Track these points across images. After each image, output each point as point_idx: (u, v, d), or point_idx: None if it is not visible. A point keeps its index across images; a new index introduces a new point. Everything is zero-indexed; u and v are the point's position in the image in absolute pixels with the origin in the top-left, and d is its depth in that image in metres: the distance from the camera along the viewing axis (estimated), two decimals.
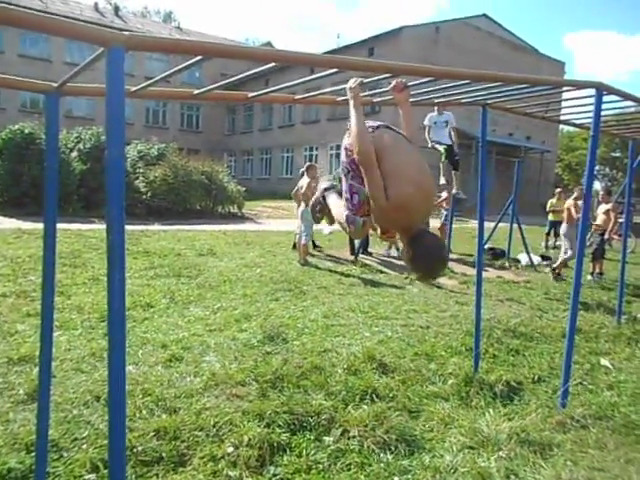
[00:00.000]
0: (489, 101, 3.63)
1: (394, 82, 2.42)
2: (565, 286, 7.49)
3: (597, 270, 8.53)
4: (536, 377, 3.92)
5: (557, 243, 12.92)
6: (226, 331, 4.47)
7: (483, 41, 26.42)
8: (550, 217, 12.69)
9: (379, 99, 2.91)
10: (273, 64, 1.74)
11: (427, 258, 2.07)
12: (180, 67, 1.69)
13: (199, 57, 1.47)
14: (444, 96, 3.26)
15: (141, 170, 15.29)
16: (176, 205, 14.82)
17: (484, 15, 28.20)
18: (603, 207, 8.54)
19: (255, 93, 2.44)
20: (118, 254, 1.20)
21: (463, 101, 3.46)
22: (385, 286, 6.93)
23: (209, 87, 2.18)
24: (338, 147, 28.21)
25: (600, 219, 8.54)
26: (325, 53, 27.38)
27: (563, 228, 8.43)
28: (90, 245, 8.50)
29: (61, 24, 1.07)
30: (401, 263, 8.92)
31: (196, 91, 2.23)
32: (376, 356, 3.92)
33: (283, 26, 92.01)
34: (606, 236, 8.61)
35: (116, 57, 1.13)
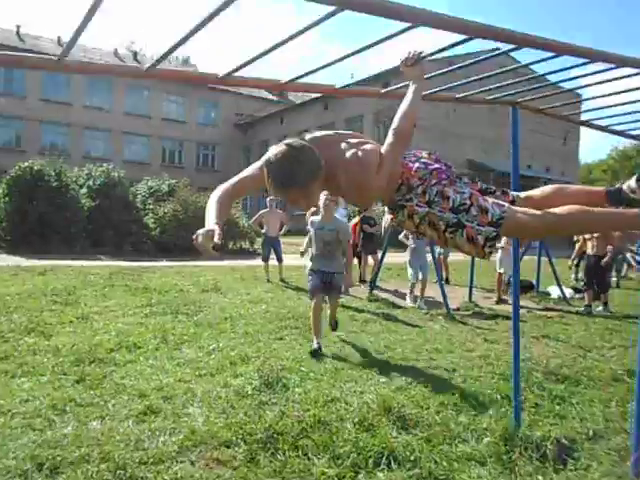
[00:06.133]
0: (519, 99, 3.09)
1: (406, 53, 1.90)
2: (606, 321, 6.71)
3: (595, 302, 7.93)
4: (591, 432, 3.20)
5: (579, 275, 12.10)
6: (217, 376, 3.84)
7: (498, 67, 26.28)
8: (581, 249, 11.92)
9: (386, 89, 2.37)
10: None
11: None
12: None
13: None
14: (466, 91, 2.72)
15: (151, 206, 15.00)
16: (185, 241, 14.40)
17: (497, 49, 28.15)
18: None
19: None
20: None
21: (488, 98, 2.91)
22: (403, 323, 6.25)
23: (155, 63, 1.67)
24: None
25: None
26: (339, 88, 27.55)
27: None
28: (88, 282, 8.01)
29: None
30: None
31: (147, 65, 1.71)
32: (394, 407, 3.25)
33: (295, 68, 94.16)
34: None
35: None
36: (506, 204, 1.92)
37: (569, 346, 5.36)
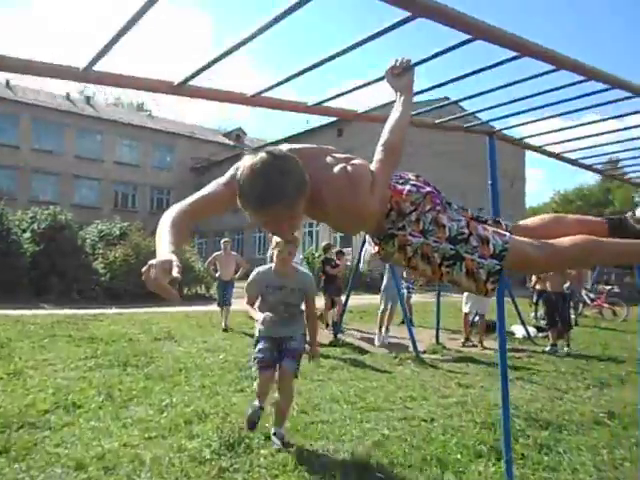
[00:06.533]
0: (495, 129, 2.97)
1: (393, 61, 1.68)
2: (574, 360, 6.61)
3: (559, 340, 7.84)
4: None
5: (539, 313, 12.22)
6: (170, 438, 3.36)
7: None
8: (535, 286, 12.07)
9: (363, 110, 2.16)
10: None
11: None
12: None
13: None
14: (442, 117, 2.56)
15: (101, 251, 14.23)
16: (137, 287, 13.64)
17: (445, 98, 29.47)
18: None
19: None
20: None
21: (466, 126, 2.77)
22: (371, 368, 5.91)
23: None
24: (311, 225, 27.75)
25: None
26: (294, 135, 27.79)
27: None
28: (26, 332, 7.27)
29: None
30: (390, 341, 7.91)
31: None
32: (372, 466, 2.89)
33: (253, 113, 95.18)
34: None
35: None
36: (507, 233, 1.69)
37: (544, 388, 5.16)
